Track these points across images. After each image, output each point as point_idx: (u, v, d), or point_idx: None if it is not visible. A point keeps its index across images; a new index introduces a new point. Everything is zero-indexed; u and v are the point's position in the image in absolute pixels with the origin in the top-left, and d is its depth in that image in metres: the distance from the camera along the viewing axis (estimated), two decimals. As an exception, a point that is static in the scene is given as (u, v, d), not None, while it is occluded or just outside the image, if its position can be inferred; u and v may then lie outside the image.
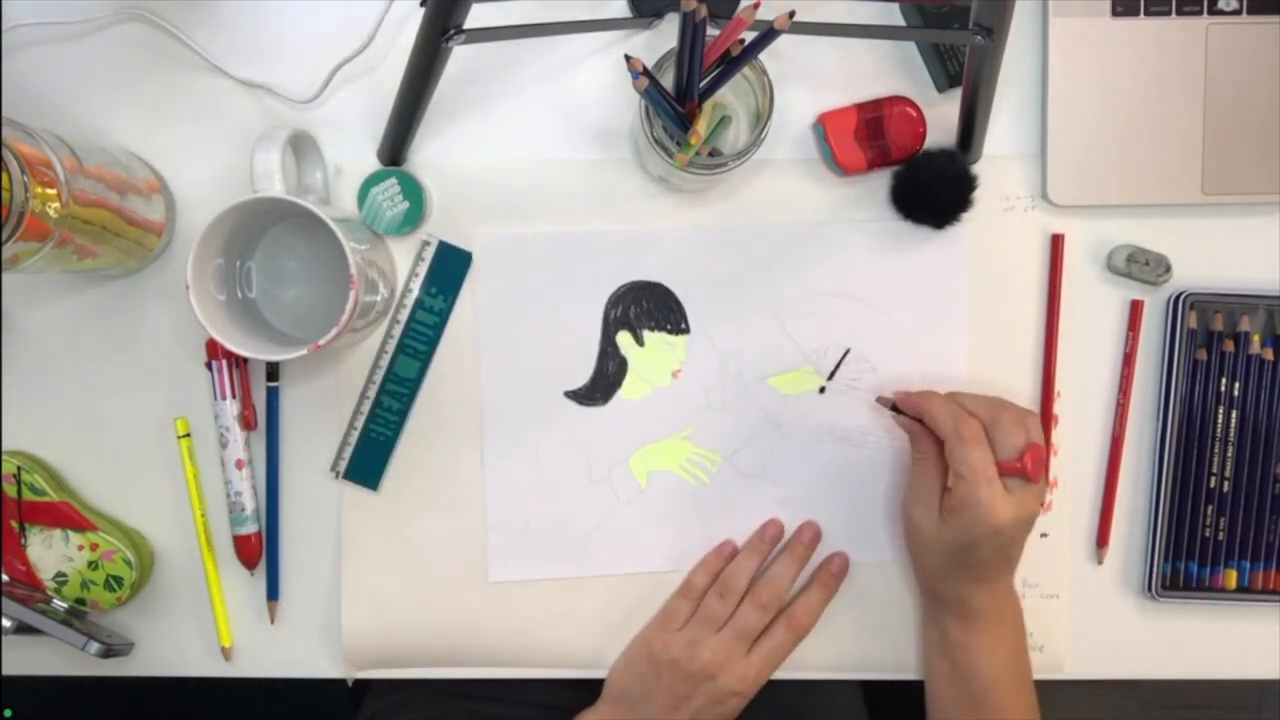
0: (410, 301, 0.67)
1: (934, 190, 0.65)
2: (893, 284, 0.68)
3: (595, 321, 0.68)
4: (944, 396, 0.63)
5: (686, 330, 0.68)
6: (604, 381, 0.68)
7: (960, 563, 0.62)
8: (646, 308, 0.68)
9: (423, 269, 0.67)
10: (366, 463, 0.68)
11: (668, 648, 0.66)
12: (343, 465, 0.68)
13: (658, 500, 0.69)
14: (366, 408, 0.68)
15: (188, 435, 0.67)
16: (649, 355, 0.68)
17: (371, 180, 0.65)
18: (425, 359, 0.67)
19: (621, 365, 0.68)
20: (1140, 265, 0.66)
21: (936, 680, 0.66)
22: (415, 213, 0.66)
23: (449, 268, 0.67)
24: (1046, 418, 0.68)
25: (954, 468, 0.60)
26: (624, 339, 0.68)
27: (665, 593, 0.69)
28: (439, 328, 0.67)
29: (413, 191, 0.65)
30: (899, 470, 0.69)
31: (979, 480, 0.59)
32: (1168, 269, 0.67)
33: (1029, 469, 0.59)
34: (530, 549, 0.68)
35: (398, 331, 0.67)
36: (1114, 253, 0.67)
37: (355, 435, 0.68)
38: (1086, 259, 0.68)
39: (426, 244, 0.67)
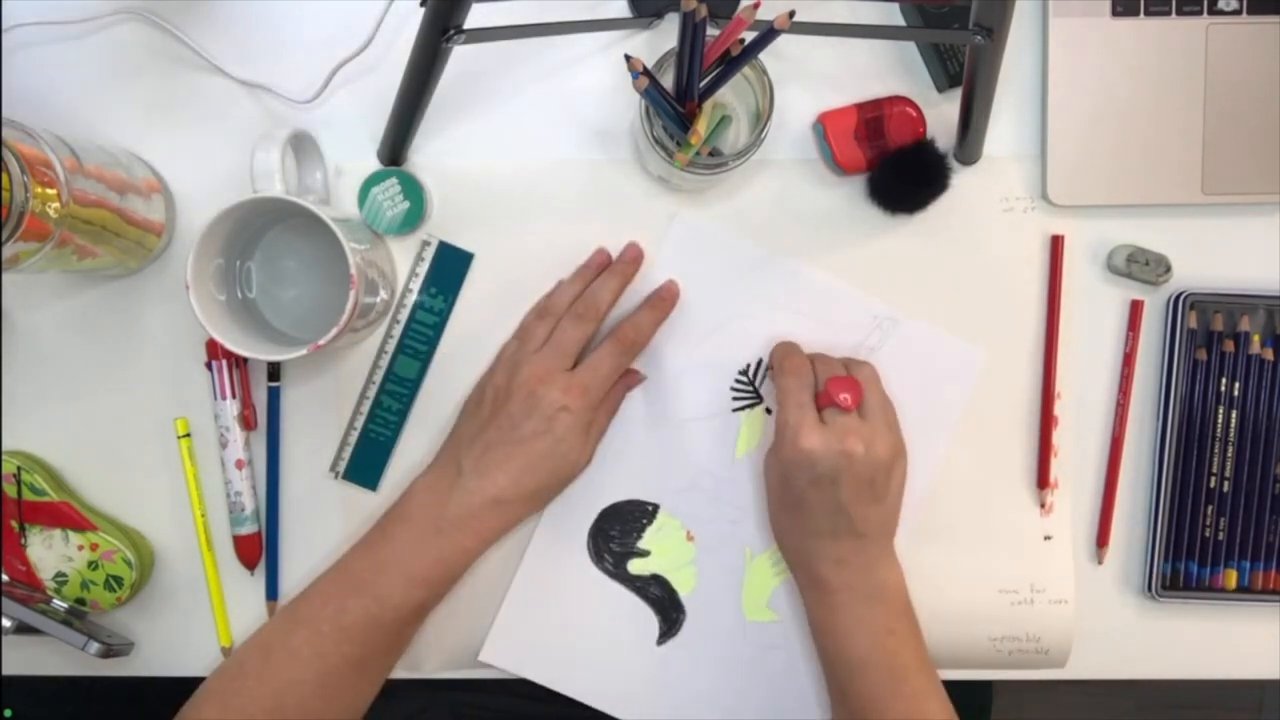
0: (410, 302, 0.67)
1: (903, 176, 0.65)
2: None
3: (604, 578, 0.68)
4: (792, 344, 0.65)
5: (656, 508, 0.68)
6: (666, 605, 0.68)
7: (788, 509, 0.61)
8: (617, 533, 0.68)
9: (423, 269, 0.67)
10: (366, 463, 0.68)
11: (492, 377, 0.64)
12: (342, 465, 0.68)
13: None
14: (366, 408, 0.68)
15: (188, 435, 0.67)
16: (662, 552, 0.68)
17: (371, 180, 0.65)
18: (425, 359, 0.67)
19: (659, 581, 0.68)
20: (1140, 265, 0.66)
21: (819, 661, 0.65)
22: (415, 213, 0.66)
23: (449, 268, 0.67)
24: (1047, 418, 0.68)
25: (776, 398, 0.60)
26: (636, 565, 0.68)
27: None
28: (439, 328, 0.67)
29: (413, 191, 0.65)
30: None
31: (789, 404, 0.60)
32: (1168, 269, 0.67)
33: (834, 396, 0.59)
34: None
35: (398, 331, 0.67)
36: (1114, 252, 0.67)
37: (355, 435, 0.68)
38: (1086, 259, 0.68)
39: (427, 244, 0.67)
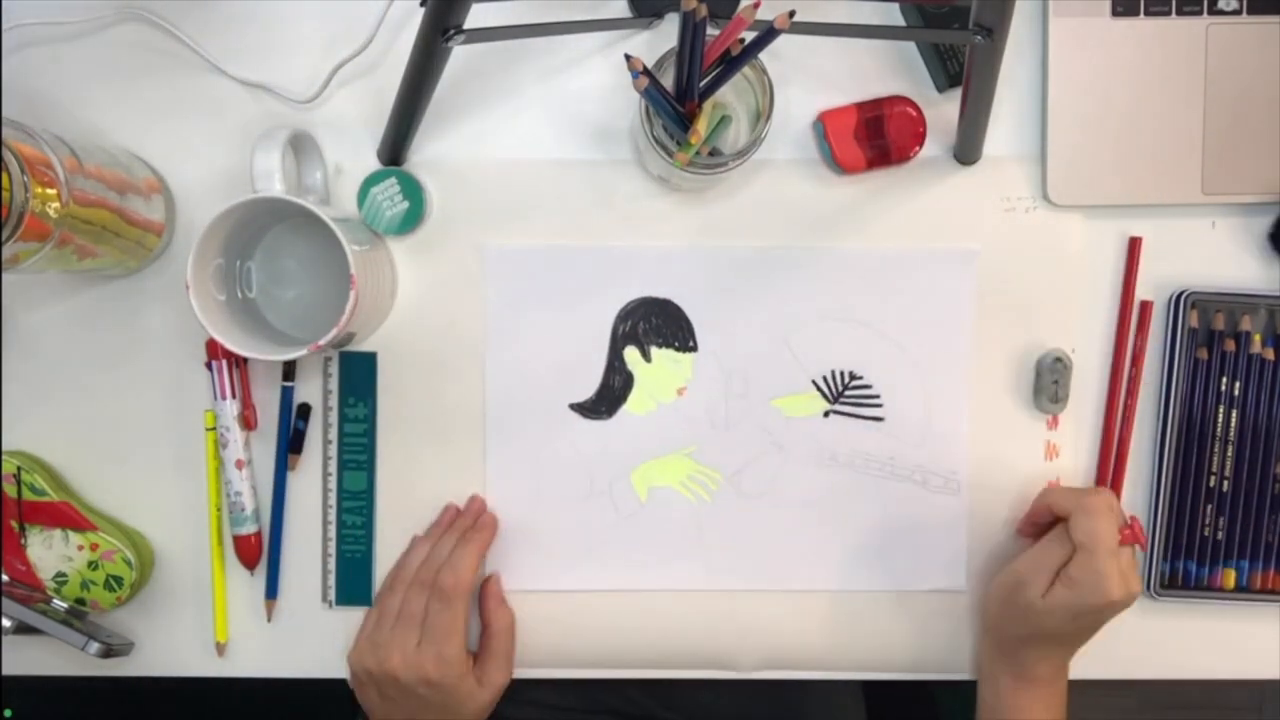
0: (335, 419, 0.67)
1: None
2: (900, 311, 0.67)
3: (603, 335, 0.68)
4: (1055, 488, 0.66)
5: (694, 348, 0.68)
6: (610, 395, 0.68)
7: (1050, 632, 0.62)
8: (655, 324, 0.68)
9: (334, 384, 0.67)
10: (353, 583, 0.68)
11: (362, 659, 0.65)
12: (332, 594, 0.68)
13: (657, 516, 0.68)
14: (333, 532, 0.68)
15: (214, 429, 0.67)
16: (655, 372, 0.68)
17: (371, 180, 0.65)
18: (369, 467, 0.68)
19: (628, 380, 0.68)
20: (1049, 383, 0.67)
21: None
22: (415, 213, 0.66)
23: (357, 373, 0.67)
24: (1111, 419, 0.68)
25: (1078, 539, 0.60)
26: (631, 354, 0.68)
27: (660, 605, 0.69)
28: (371, 432, 0.68)
29: (413, 191, 0.65)
30: (902, 498, 0.69)
31: (1102, 552, 0.59)
32: (1056, 401, 0.68)
33: (1140, 535, 0.60)
34: (528, 560, 0.68)
35: (334, 451, 0.68)
36: (1042, 359, 0.68)
37: (333, 561, 0.68)
38: (1085, 259, 0.68)
39: (329, 359, 0.67)
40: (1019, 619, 0.63)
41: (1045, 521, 0.65)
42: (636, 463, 0.68)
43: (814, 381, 0.68)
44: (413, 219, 0.66)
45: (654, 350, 0.68)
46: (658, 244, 0.67)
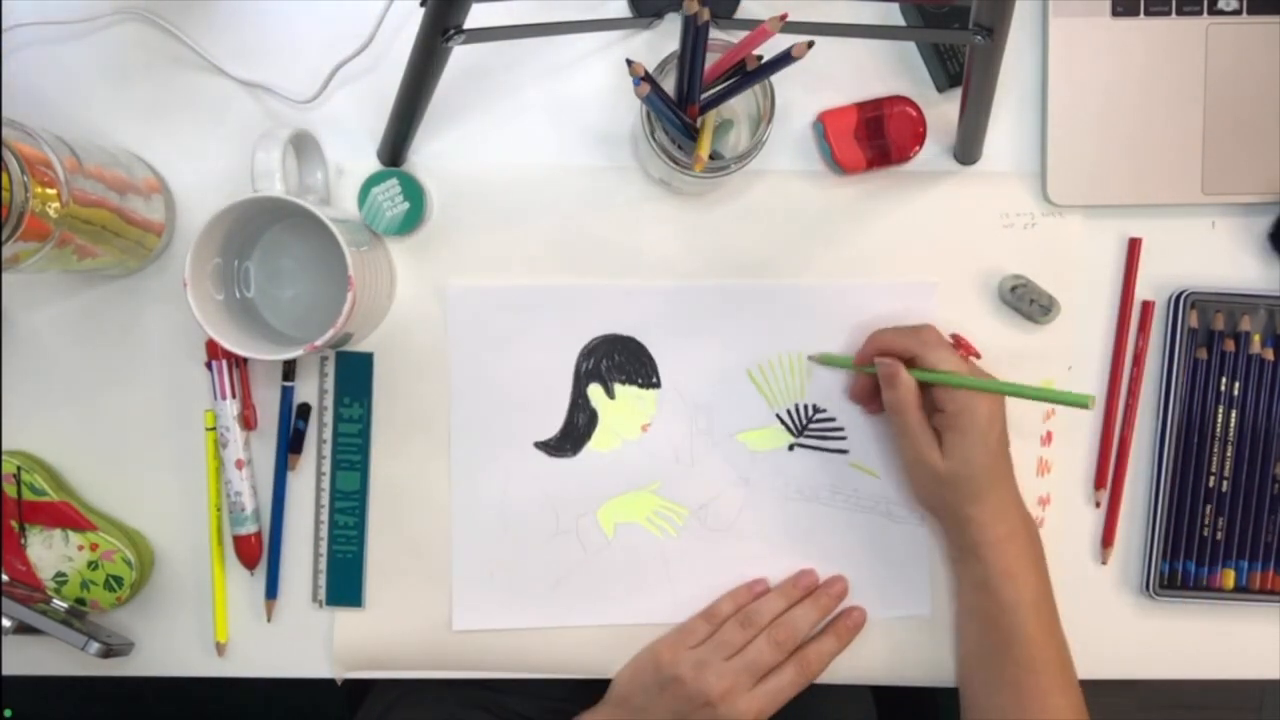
0: (330, 419, 0.67)
1: None
2: (861, 343, 0.66)
3: (567, 374, 0.68)
4: (884, 330, 0.65)
5: (657, 385, 0.68)
6: (574, 433, 0.68)
7: (977, 474, 0.62)
8: (618, 361, 0.68)
9: (330, 384, 0.67)
10: (344, 584, 0.68)
11: (676, 663, 0.66)
12: (322, 593, 0.68)
13: (624, 552, 0.68)
14: (325, 531, 0.68)
15: (214, 429, 0.67)
16: (619, 408, 0.68)
17: (372, 180, 0.65)
18: (363, 468, 0.68)
19: (592, 417, 0.68)
20: (1025, 302, 0.66)
21: (971, 619, 0.66)
22: (415, 213, 0.66)
23: (354, 373, 0.67)
24: (1109, 425, 0.68)
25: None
26: (595, 392, 0.68)
27: (627, 638, 0.69)
28: (365, 434, 0.68)
29: (413, 192, 0.65)
30: (867, 529, 0.69)
31: (960, 375, 0.61)
32: (1047, 310, 0.67)
33: (972, 347, 0.63)
34: (495, 597, 0.68)
35: (329, 450, 0.68)
36: (1002, 282, 0.67)
37: (324, 561, 0.68)
38: (1085, 258, 0.68)
39: (325, 359, 0.67)
40: (947, 489, 0.63)
41: (872, 381, 0.65)
42: (602, 500, 0.68)
43: (778, 415, 0.68)
44: (413, 220, 0.66)
45: (617, 387, 0.68)
46: (619, 282, 0.67)
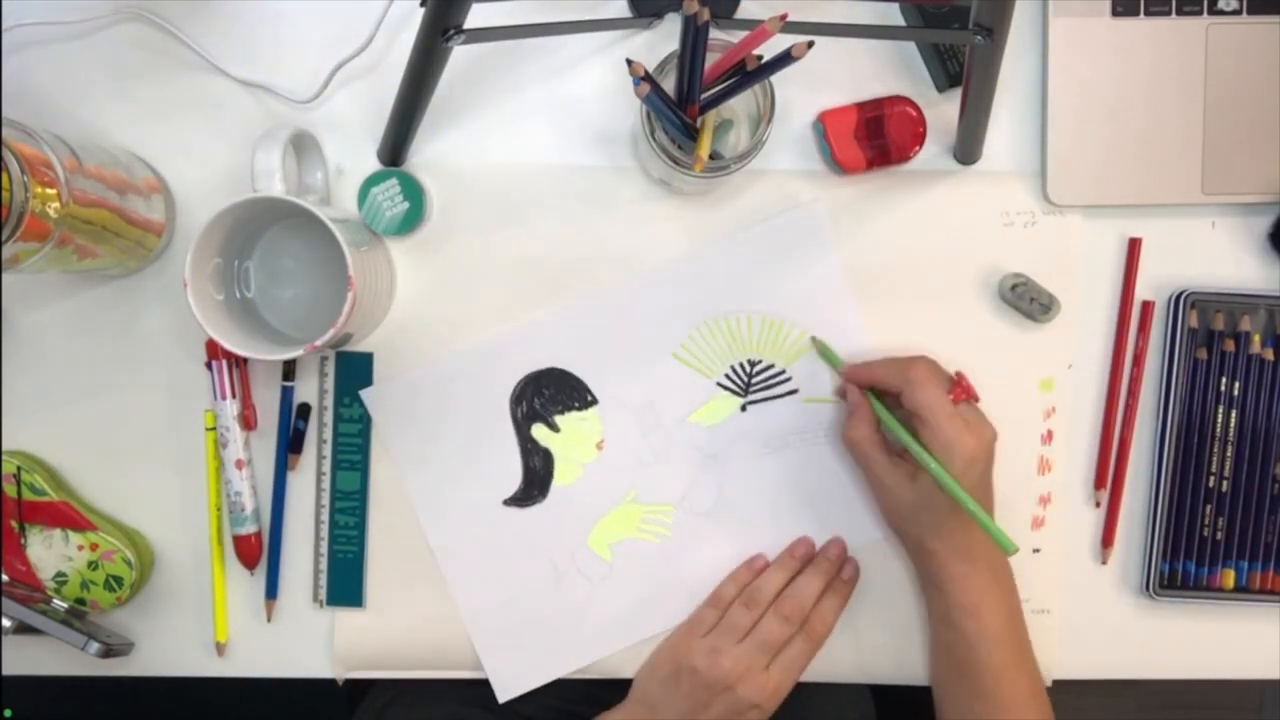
0: (330, 419, 0.68)
1: None
2: (770, 286, 0.67)
3: (506, 425, 0.68)
4: (880, 360, 0.65)
5: (594, 401, 0.68)
6: (536, 478, 0.68)
7: (945, 512, 0.61)
8: (549, 394, 0.68)
9: (330, 384, 0.67)
10: (344, 584, 0.68)
11: (690, 654, 0.66)
12: (323, 593, 0.68)
13: (628, 569, 0.69)
14: (325, 531, 0.68)
15: (214, 429, 0.67)
16: (568, 438, 0.68)
17: (372, 180, 0.65)
18: (363, 468, 0.68)
19: (546, 457, 0.68)
20: (1025, 301, 0.66)
21: (938, 650, 0.66)
22: (415, 213, 0.66)
23: (353, 373, 0.67)
24: (1109, 427, 0.68)
25: (914, 411, 0.61)
26: (540, 431, 0.68)
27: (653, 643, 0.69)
28: (366, 433, 0.68)
29: (413, 192, 0.65)
30: (844, 455, 0.68)
31: (943, 418, 0.60)
32: (1047, 309, 0.66)
33: (971, 390, 0.61)
34: (528, 660, 0.68)
35: (329, 450, 0.68)
36: (1003, 280, 0.67)
37: (324, 561, 0.68)
38: (1084, 258, 0.68)
39: (325, 359, 0.67)
40: (909, 522, 0.63)
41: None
42: (588, 528, 0.68)
43: (719, 384, 0.68)
44: (413, 220, 0.66)
45: (558, 419, 0.68)
46: (523, 319, 0.67)
